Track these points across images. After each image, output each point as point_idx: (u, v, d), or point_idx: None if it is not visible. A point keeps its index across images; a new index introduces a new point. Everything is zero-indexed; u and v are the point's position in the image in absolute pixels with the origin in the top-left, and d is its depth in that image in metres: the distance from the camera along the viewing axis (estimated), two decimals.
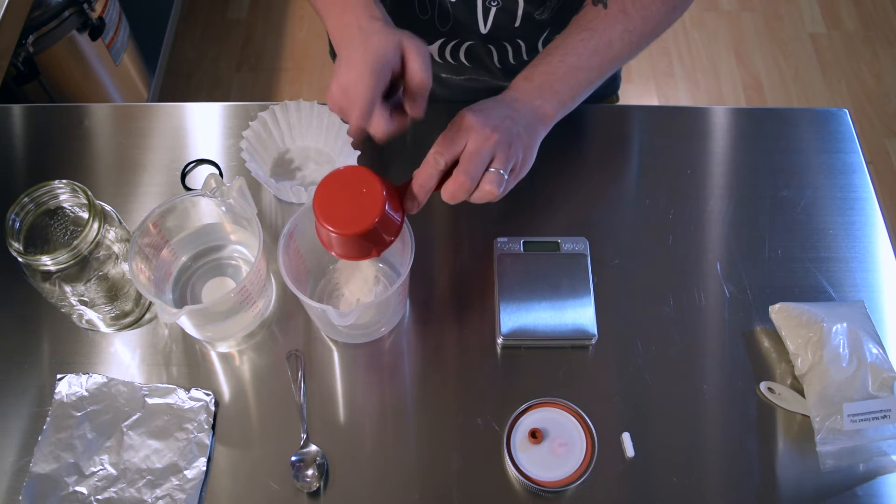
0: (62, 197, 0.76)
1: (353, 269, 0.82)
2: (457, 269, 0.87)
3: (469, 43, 0.93)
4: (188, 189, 0.92)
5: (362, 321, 0.79)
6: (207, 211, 0.82)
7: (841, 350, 0.76)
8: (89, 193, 0.74)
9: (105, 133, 0.97)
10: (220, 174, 0.93)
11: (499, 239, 0.86)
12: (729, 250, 0.87)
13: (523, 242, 0.85)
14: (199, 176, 0.93)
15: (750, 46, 2.30)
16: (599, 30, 0.76)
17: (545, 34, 0.92)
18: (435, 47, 0.95)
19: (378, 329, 0.82)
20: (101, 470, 0.74)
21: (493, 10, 0.86)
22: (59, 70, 1.66)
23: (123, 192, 0.92)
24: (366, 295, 0.81)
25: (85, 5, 1.61)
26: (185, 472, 0.74)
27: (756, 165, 0.94)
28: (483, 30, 0.90)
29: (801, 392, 0.78)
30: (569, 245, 0.85)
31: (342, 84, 0.68)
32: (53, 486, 0.73)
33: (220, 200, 0.77)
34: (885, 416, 0.73)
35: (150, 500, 0.72)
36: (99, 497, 0.73)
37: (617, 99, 1.15)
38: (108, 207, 0.77)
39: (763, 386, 0.79)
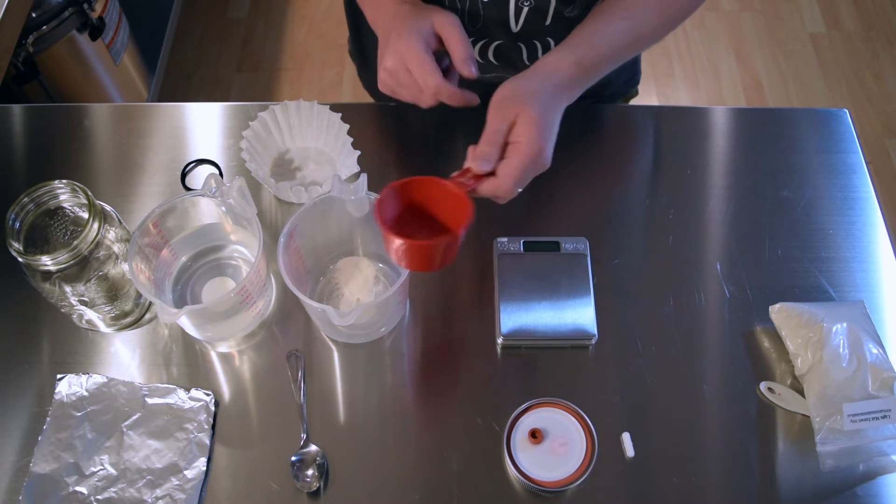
0: (62, 197, 0.76)
1: (353, 269, 0.83)
2: (457, 269, 0.87)
3: (498, 42, 0.93)
4: (188, 189, 0.92)
5: (362, 321, 0.79)
6: (207, 211, 0.82)
7: (841, 350, 0.76)
8: (89, 193, 0.74)
9: (105, 133, 0.97)
10: (220, 174, 0.93)
11: (499, 239, 0.86)
12: (729, 250, 0.87)
13: (523, 242, 0.85)
14: (199, 176, 0.93)
15: (750, 46, 2.30)
16: (636, 18, 0.78)
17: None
18: None
19: (378, 329, 0.82)
20: (101, 470, 0.74)
21: (525, 9, 0.86)
22: (59, 70, 1.66)
23: (123, 192, 0.92)
24: (366, 295, 0.81)
25: (85, 5, 1.61)
26: (185, 472, 0.74)
27: (756, 165, 0.94)
28: (514, 29, 0.90)
29: (801, 392, 0.78)
30: (569, 245, 0.85)
31: (397, 53, 0.73)
32: (53, 486, 0.73)
33: (220, 200, 0.77)
34: (885, 416, 0.73)
35: (150, 500, 0.72)
36: (99, 497, 0.73)
37: (637, 93, 1.15)
38: (108, 207, 0.77)
39: (763, 386, 0.79)
